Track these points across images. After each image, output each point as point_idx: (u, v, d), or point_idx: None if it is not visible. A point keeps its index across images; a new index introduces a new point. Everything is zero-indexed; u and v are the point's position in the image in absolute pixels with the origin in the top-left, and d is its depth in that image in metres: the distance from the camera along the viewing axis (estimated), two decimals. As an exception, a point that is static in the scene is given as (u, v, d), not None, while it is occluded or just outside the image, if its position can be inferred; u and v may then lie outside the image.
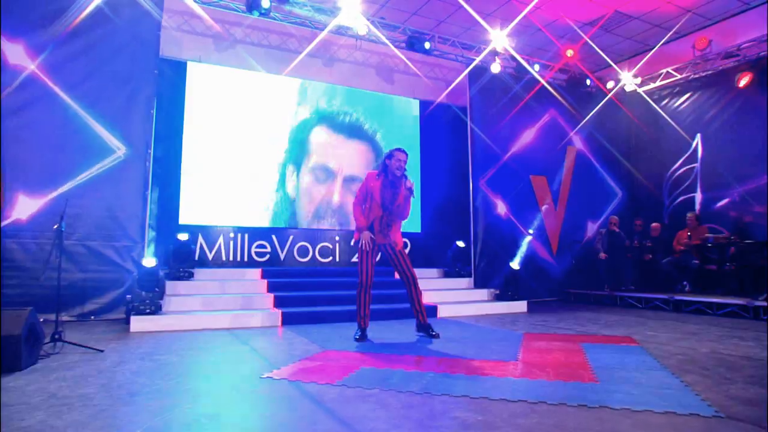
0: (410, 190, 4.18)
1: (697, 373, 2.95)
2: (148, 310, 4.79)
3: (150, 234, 6.08)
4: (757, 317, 5.66)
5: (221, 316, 5.05)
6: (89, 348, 3.69)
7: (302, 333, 4.62)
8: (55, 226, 3.77)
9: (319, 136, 7.78)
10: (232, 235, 7.06)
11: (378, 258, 4.35)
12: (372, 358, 3.46)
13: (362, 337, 4.23)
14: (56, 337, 3.64)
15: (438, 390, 2.57)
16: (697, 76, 8.28)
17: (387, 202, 4.21)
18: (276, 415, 2.19)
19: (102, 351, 3.66)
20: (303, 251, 7.47)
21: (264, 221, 7.31)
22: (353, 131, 8.02)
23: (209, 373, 3.03)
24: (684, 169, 8.27)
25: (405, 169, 4.21)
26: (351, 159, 7.96)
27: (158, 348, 3.86)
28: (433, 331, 4.37)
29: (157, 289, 5.04)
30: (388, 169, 4.21)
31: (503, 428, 2.01)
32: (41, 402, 2.40)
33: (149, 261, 4.97)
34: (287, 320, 5.25)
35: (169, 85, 6.71)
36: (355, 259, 7.81)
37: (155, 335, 4.49)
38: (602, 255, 7.80)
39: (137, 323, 4.71)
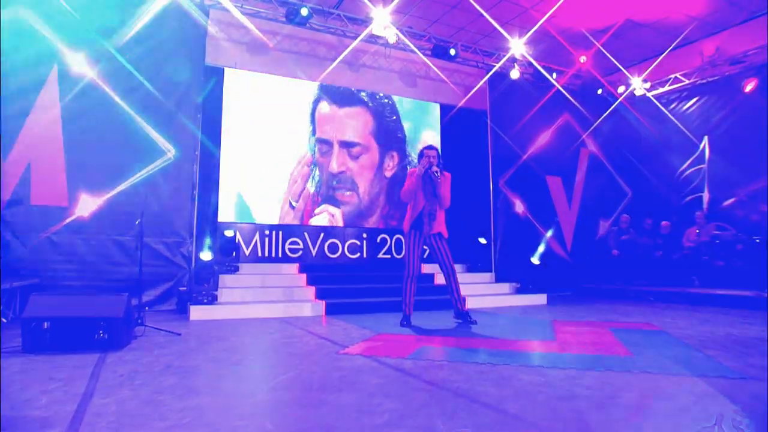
0: (440, 170, 4.59)
1: (717, 349, 3.38)
2: (205, 301, 5.21)
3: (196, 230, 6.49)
4: (765, 308, 6.08)
5: (272, 306, 5.47)
6: (169, 332, 4.12)
7: (350, 321, 5.04)
8: (138, 221, 4.18)
9: (347, 163, 8.27)
10: (267, 232, 7.47)
11: (425, 251, 4.77)
12: (427, 339, 3.89)
13: (407, 323, 4.65)
14: (139, 321, 4.06)
15: (498, 361, 3.00)
16: (704, 81, 8.70)
17: (428, 194, 4.66)
18: (371, 380, 2.60)
19: (179, 334, 4.08)
20: (333, 248, 7.88)
21: (296, 219, 7.72)
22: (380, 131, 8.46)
23: (289, 351, 3.45)
24: (692, 169, 8.70)
25: (438, 163, 4.66)
26: (365, 177, 8.41)
27: (228, 332, 4.28)
28: (470, 317, 4.79)
29: (206, 284, 5.47)
30: (423, 167, 4.66)
31: (564, 387, 2.43)
32: (163, 370, 2.81)
33: (206, 255, 5.39)
34: (330, 310, 5.67)
35: (208, 90, 7.11)
36: (381, 255, 8.25)
37: (215, 323, 4.90)
38: (614, 252, 8.23)
39: (196, 312, 5.12)
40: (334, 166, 8.17)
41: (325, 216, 7.97)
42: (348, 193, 8.25)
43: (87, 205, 5.65)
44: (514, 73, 8.36)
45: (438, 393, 2.32)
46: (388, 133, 8.66)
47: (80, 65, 5.70)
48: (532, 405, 2.11)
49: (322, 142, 8.14)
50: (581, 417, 1.95)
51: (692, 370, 2.74)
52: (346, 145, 8.30)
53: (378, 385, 2.47)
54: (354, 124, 8.42)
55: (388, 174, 8.61)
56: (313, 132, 8.08)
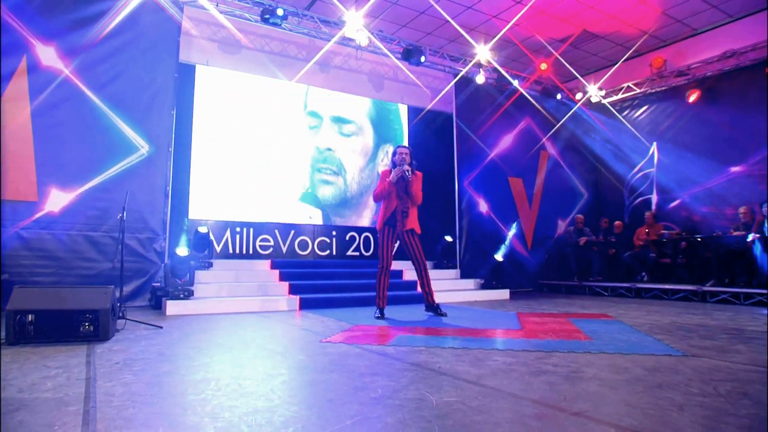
0: (412, 169, 4.84)
1: (664, 334, 3.76)
2: (181, 296, 5.27)
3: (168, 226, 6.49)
4: (705, 300, 6.66)
5: (247, 300, 5.58)
6: (150, 324, 4.18)
7: (325, 315, 5.21)
8: (119, 216, 4.23)
9: (335, 141, 8.40)
10: (238, 229, 7.52)
11: (396, 246, 5.00)
12: (403, 329, 4.12)
13: (381, 315, 4.86)
14: (120, 315, 4.11)
15: (472, 346, 3.26)
16: (653, 91, 9.34)
17: (400, 192, 4.89)
18: (358, 363, 2.80)
19: (161, 327, 4.15)
20: (303, 245, 8.01)
21: (267, 217, 7.80)
22: (351, 133, 8.63)
23: (274, 340, 3.60)
24: (642, 173, 9.32)
25: (410, 161, 4.90)
26: (355, 162, 8.56)
27: (209, 325, 4.39)
28: (440, 310, 5.06)
29: (182, 279, 5.51)
30: (395, 165, 4.90)
31: (535, 365, 2.70)
32: (157, 357, 2.93)
33: (182, 250, 5.44)
34: (304, 305, 5.83)
35: (179, 87, 7.10)
36: (350, 252, 8.44)
37: (193, 317, 4.98)
38: (582, 240, 8.62)
39: (173, 307, 5.17)
40: (322, 141, 8.11)
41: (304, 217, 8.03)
42: (332, 176, 8.21)
43: (57, 200, 5.58)
44: (480, 78, 8.72)
45: (422, 372, 2.55)
46: (386, 123, 8.69)
47: (51, 57, 5.63)
48: (508, 379, 2.37)
49: (312, 115, 8.03)
50: (552, 387, 2.22)
51: (643, 349, 3.08)
52: (338, 120, 8.21)
53: (366, 367, 2.68)
54: (350, 100, 8.31)
55: (382, 169, 8.52)
56: (305, 106, 8.11)
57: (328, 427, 1.71)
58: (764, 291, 6.15)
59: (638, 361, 2.78)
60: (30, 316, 3.36)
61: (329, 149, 8.23)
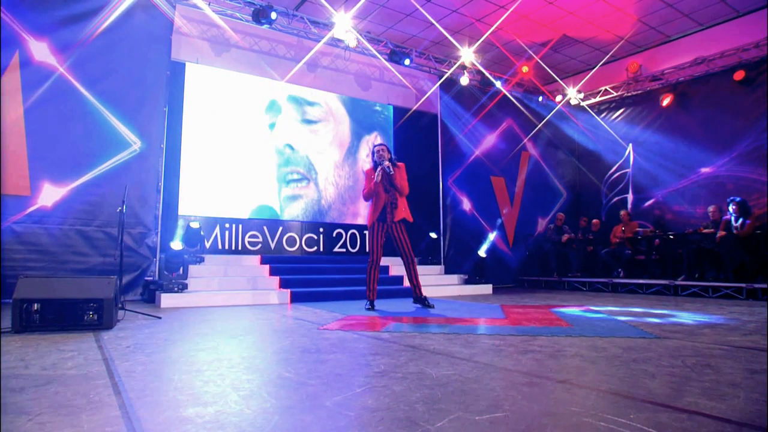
0: (392, 163, 5.08)
1: (638, 322, 4.04)
2: (176, 289, 5.37)
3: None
4: (676, 294, 7.03)
5: (240, 294, 5.71)
6: (149, 315, 4.30)
7: (316, 307, 5.38)
8: (119, 209, 4.33)
9: (297, 133, 8.47)
10: (227, 225, 7.63)
11: (384, 240, 5.20)
12: (395, 319, 4.31)
13: (372, 307, 5.05)
14: (119, 306, 4.21)
15: (462, 332, 3.47)
16: (629, 94, 9.72)
17: (387, 186, 5.10)
18: (358, 345, 2.99)
19: (160, 318, 4.27)
20: (291, 241, 8.15)
21: (256, 213, 7.92)
22: (332, 132, 8.79)
23: (273, 328, 3.76)
24: (619, 173, 9.71)
25: (390, 157, 5.12)
26: (327, 156, 8.72)
27: (206, 316, 4.52)
28: (428, 302, 5.27)
29: (176, 273, 5.62)
30: (377, 165, 5.11)
31: (521, 346, 2.93)
32: (164, 342, 3.07)
33: (176, 245, 5.54)
34: (295, 298, 5.98)
35: (170, 84, 7.17)
36: (337, 248, 8.60)
37: (187, 310, 5.09)
38: (564, 237, 8.94)
39: (167, 300, 5.28)
40: (279, 137, 7.29)
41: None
42: (301, 183, 7.97)
43: (50, 194, 5.63)
44: (464, 80, 8.98)
45: (419, 352, 2.75)
46: (366, 107, 8.64)
47: (43, 53, 5.67)
48: (498, 357, 2.59)
49: (270, 108, 7.38)
50: (539, 363, 2.44)
51: (619, 333, 3.34)
52: (299, 102, 7.62)
53: (366, 348, 2.87)
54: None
55: (368, 167, 8.02)
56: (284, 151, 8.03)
57: (341, 394, 1.89)
58: (730, 284, 6.52)
59: (615, 342, 3.03)
60: (36, 304, 3.46)
61: (289, 146, 7.70)
